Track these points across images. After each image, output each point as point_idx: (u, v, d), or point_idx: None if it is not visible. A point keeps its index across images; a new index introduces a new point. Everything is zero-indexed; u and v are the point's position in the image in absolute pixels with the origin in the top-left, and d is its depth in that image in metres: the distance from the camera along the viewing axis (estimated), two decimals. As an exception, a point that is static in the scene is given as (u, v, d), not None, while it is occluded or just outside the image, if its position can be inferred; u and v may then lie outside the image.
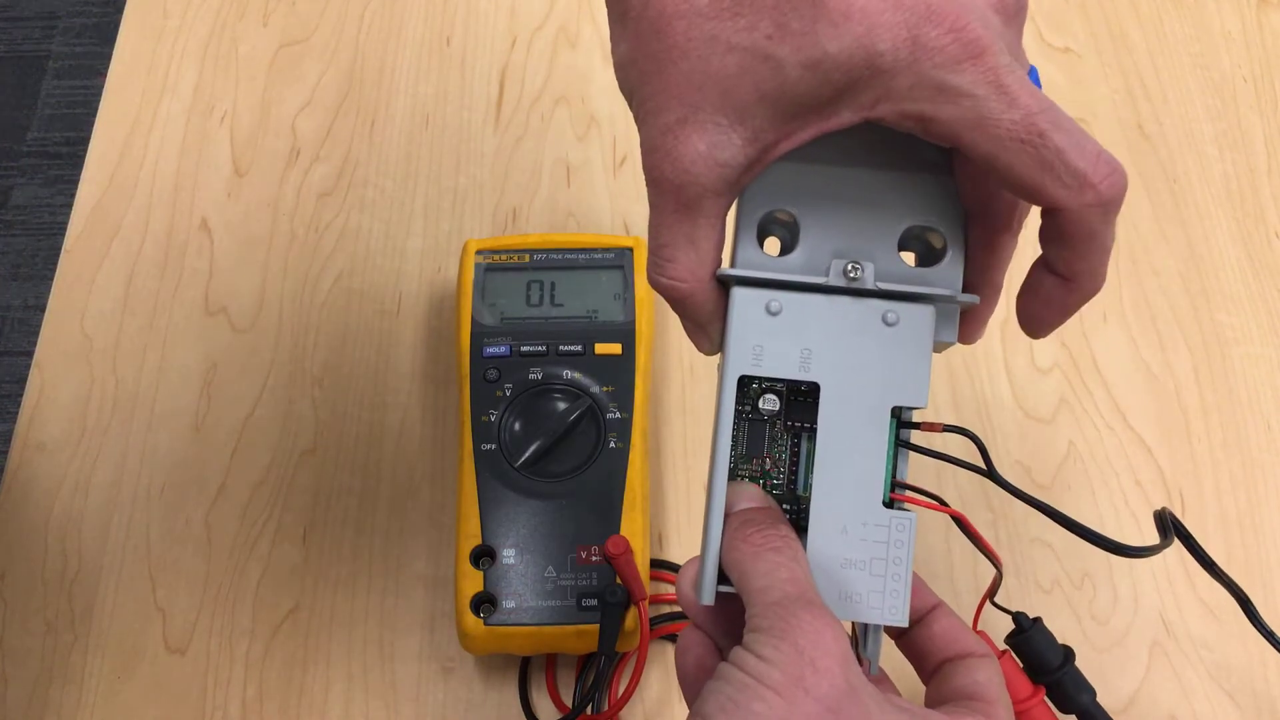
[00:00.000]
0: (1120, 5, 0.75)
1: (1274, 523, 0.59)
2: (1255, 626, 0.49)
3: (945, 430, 0.38)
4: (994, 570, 0.41)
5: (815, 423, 0.37)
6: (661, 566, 0.57)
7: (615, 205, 0.68)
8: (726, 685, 0.33)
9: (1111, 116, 0.71)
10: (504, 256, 0.61)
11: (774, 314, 0.37)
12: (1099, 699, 0.48)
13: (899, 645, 0.40)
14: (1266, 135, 0.71)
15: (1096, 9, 0.75)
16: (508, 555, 0.53)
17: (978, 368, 0.63)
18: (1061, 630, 0.48)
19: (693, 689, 0.37)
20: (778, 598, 0.34)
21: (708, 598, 0.37)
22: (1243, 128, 0.71)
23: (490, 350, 0.58)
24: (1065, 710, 0.47)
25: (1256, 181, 0.69)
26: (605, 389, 0.57)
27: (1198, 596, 0.57)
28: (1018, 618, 0.47)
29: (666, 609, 0.57)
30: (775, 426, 0.38)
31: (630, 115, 0.76)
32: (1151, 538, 0.41)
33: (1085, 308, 0.64)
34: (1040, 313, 0.37)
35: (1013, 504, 0.59)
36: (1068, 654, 0.47)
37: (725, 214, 0.36)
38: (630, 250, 0.61)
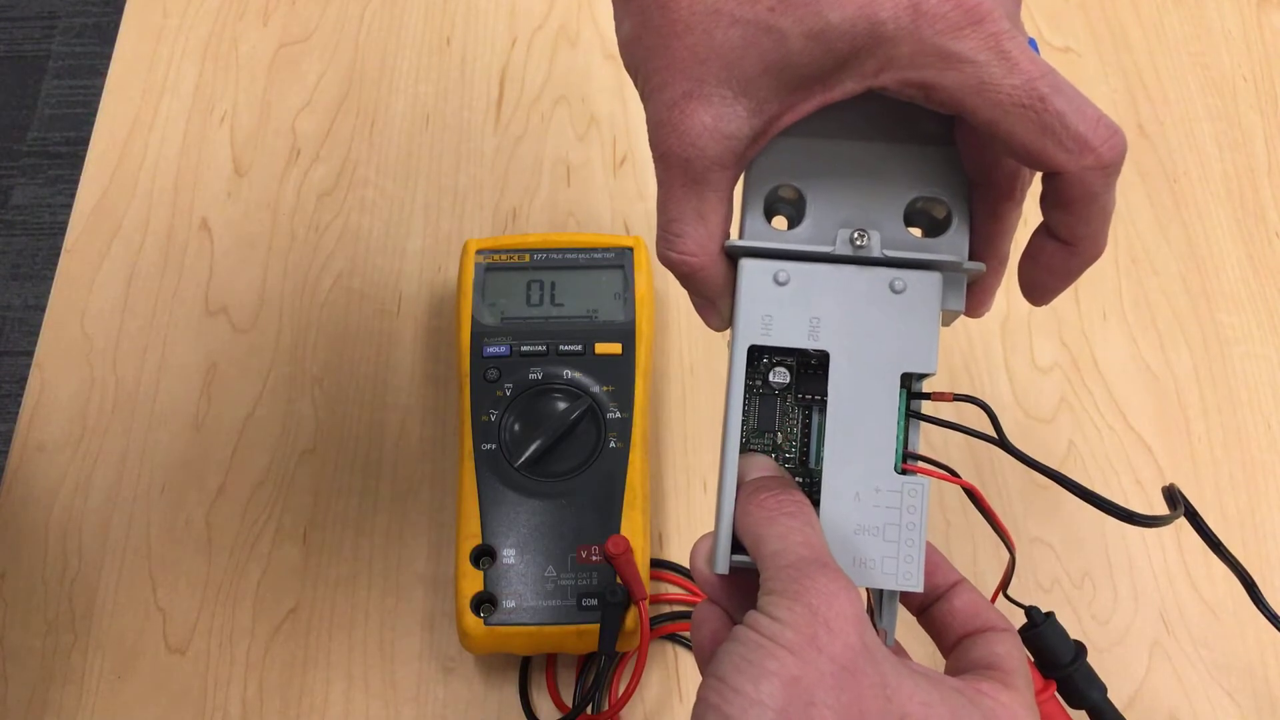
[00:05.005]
0: (1120, 5, 0.75)
1: (1274, 522, 0.59)
2: (1259, 608, 0.49)
3: (956, 399, 0.39)
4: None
5: (826, 394, 0.37)
6: (662, 566, 0.57)
7: (615, 205, 0.68)
8: (740, 646, 0.33)
9: (1111, 116, 0.71)
10: (504, 256, 0.61)
11: (782, 284, 0.37)
12: (1100, 698, 0.48)
13: (920, 621, 0.40)
14: (1266, 135, 0.71)
15: (1096, 8, 0.75)
16: (508, 555, 0.53)
17: (978, 367, 0.63)
18: (1061, 630, 0.48)
19: (708, 662, 0.37)
20: (792, 560, 0.34)
21: (722, 566, 0.37)
22: (1243, 127, 0.71)
23: (490, 350, 0.58)
24: (1076, 706, 0.47)
25: (1256, 181, 0.69)
26: (605, 389, 0.57)
27: (1198, 595, 0.57)
28: (1030, 612, 0.46)
29: (667, 609, 0.57)
30: (786, 400, 0.39)
31: (629, 115, 0.76)
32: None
33: (1085, 307, 0.65)
34: (1042, 279, 0.37)
35: (1011, 503, 0.59)
36: (1079, 649, 0.47)
37: (732, 187, 0.36)
38: (630, 250, 0.61)
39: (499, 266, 0.61)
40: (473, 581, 0.53)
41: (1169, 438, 0.61)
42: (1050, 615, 0.47)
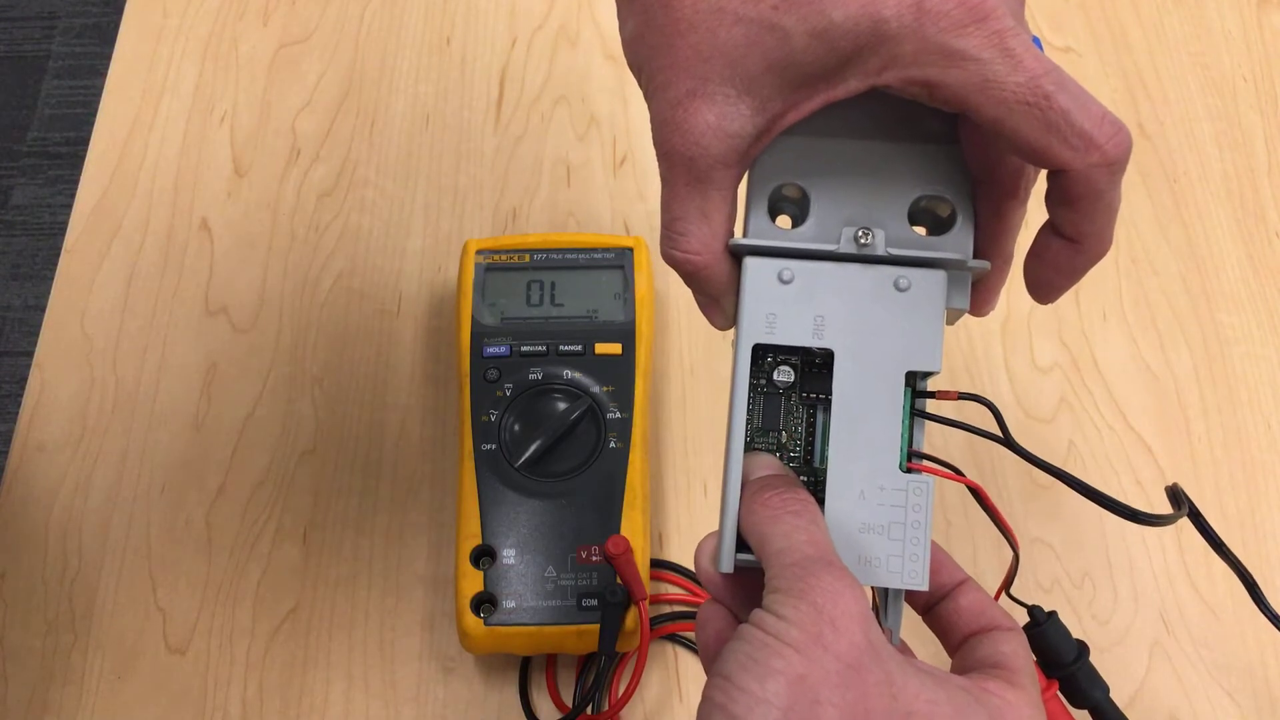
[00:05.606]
0: (1120, 5, 0.75)
1: (1274, 522, 0.59)
2: (1260, 608, 0.49)
3: (960, 398, 0.39)
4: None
5: (830, 392, 0.37)
6: (662, 566, 0.57)
7: (615, 205, 0.68)
8: (746, 644, 0.33)
9: (1111, 116, 0.71)
10: (504, 256, 0.61)
11: (786, 282, 0.37)
12: (1101, 698, 0.48)
13: (926, 620, 0.40)
14: (1266, 135, 0.71)
15: (1097, 9, 0.75)
16: (508, 555, 0.53)
17: (978, 368, 0.63)
18: (1062, 630, 0.48)
19: (713, 661, 0.37)
20: (797, 559, 0.34)
21: (726, 565, 0.37)
22: (1243, 127, 0.71)
23: (490, 350, 0.58)
24: (1078, 705, 0.47)
25: (1256, 181, 0.69)
26: (605, 389, 0.57)
27: (1198, 595, 0.57)
28: (1033, 611, 0.46)
29: (667, 609, 0.56)
30: (791, 399, 0.39)
31: (629, 115, 0.76)
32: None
33: (1085, 307, 0.65)
34: (1048, 277, 0.37)
35: (1011, 503, 0.59)
36: (1082, 649, 0.47)
37: (736, 186, 0.36)
38: (630, 250, 0.61)
39: (499, 266, 0.61)
40: (473, 581, 0.53)
41: (1169, 438, 0.61)
42: (1053, 614, 0.47)
